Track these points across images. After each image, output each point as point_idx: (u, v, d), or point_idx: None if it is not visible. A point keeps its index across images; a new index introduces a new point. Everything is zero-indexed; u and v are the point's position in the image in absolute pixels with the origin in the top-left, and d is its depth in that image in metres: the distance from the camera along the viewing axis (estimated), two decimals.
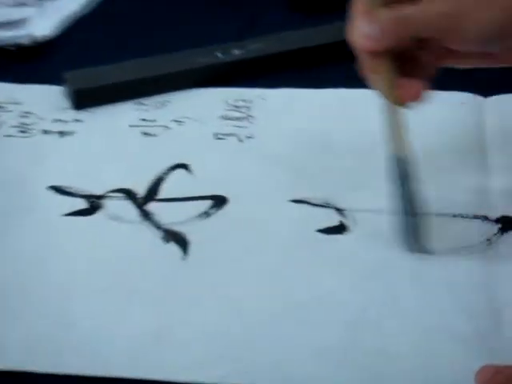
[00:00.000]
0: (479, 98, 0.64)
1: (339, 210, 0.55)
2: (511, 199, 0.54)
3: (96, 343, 0.47)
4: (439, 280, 0.49)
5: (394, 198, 0.50)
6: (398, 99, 0.49)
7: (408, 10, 0.47)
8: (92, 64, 0.69)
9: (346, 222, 0.54)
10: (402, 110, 0.49)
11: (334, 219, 0.54)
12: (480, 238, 0.52)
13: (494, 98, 0.64)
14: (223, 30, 0.75)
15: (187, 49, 0.70)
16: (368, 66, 0.49)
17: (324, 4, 0.78)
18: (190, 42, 0.72)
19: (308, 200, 0.56)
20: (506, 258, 0.50)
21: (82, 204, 0.57)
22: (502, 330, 0.46)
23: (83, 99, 0.66)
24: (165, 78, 0.67)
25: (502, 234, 0.52)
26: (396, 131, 0.49)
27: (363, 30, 0.47)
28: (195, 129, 0.64)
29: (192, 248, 0.53)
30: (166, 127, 0.64)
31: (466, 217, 0.53)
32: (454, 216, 0.54)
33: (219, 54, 0.69)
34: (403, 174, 0.49)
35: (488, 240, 0.52)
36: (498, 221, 0.53)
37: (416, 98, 0.49)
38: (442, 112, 0.61)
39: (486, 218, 0.53)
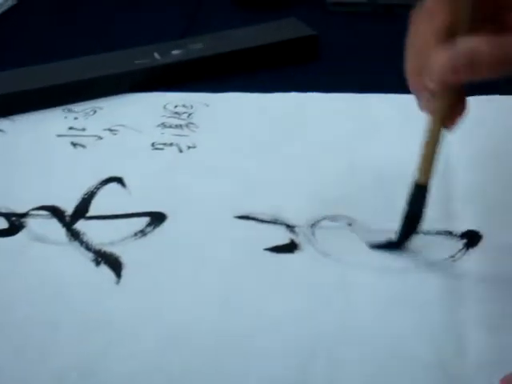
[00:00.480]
0: None
1: (289, 227, 0.52)
2: (476, 213, 0.52)
3: (16, 382, 0.43)
4: (399, 301, 0.46)
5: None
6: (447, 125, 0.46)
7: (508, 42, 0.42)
8: (12, 66, 0.66)
9: (297, 239, 0.51)
10: (442, 135, 0.47)
11: (283, 237, 0.51)
12: (444, 254, 0.49)
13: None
14: (162, 28, 0.72)
15: (122, 49, 0.67)
16: (431, 92, 0.45)
17: (270, 0, 0.75)
18: (124, 41, 0.70)
19: (255, 216, 0.53)
20: (471, 276, 0.48)
21: (1, 223, 0.53)
22: (466, 354, 0.43)
23: (3, 106, 0.62)
24: (96, 81, 0.64)
25: (468, 249, 0.49)
26: (429, 158, 0.47)
27: (450, 61, 0.42)
28: (130, 138, 0.61)
29: (126, 271, 0.50)
30: (98, 137, 0.61)
31: (428, 233, 0.51)
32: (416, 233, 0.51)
33: (157, 55, 0.66)
34: (421, 201, 0.48)
35: (452, 256, 0.49)
36: (463, 236, 0.50)
37: (457, 122, 0.46)
38: (405, 116, 0.59)
39: (450, 234, 0.51)
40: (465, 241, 0.50)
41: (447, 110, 0.46)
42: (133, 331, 0.45)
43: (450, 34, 0.43)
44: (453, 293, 0.47)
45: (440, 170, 0.54)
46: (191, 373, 0.43)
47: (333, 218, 0.52)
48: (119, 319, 0.46)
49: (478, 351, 0.43)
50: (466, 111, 0.46)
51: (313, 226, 0.51)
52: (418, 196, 0.48)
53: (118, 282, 0.49)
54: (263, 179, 0.56)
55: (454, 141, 0.57)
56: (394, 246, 0.49)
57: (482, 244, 0.49)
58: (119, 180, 0.56)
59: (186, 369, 0.43)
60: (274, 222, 0.52)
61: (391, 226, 0.50)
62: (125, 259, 0.50)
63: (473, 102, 0.59)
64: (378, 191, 0.53)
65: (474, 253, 0.49)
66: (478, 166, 0.55)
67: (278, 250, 0.50)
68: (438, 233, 0.50)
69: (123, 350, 0.44)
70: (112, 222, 0.53)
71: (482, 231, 0.50)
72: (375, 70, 0.65)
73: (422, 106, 0.46)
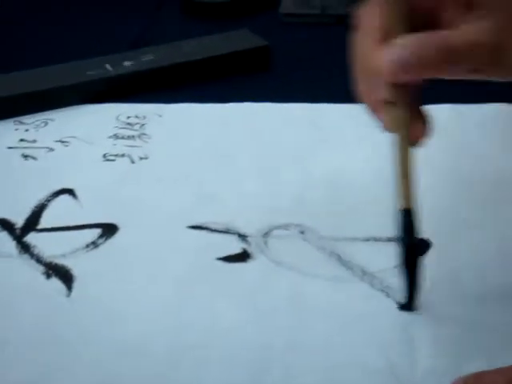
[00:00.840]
0: None
1: (242, 236, 0.52)
2: (426, 222, 0.51)
3: None
4: (351, 310, 0.46)
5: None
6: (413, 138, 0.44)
7: (451, 34, 0.42)
8: None
9: (249, 248, 0.51)
10: (413, 152, 0.44)
11: (236, 246, 0.51)
12: (395, 262, 0.48)
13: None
14: (113, 39, 0.72)
15: (73, 60, 0.67)
16: (381, 101, 0.43)
17: (222, 10, 0.76)
18: (76, 52, 0.69)
19: (207, 226, 0.53)
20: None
21: None
22: (416, 361, 0.43)
23: None
24: (48, 93, 0.63)
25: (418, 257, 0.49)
26: (405, 179, 0.44)
27: (396, 56, 0.41)
28: (82, 150, 0.60)
29: (77, 283, 0.49)
30: (49, 148, 0.60)
31: (379, 240, 0.51)
32: (367, 240, 0.51)
33: (109, 66, 0.66)
34: (408, 227, 0.44)
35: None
36: None
37: (424, 135, 0.44)
38: (358, 125, 0.58)
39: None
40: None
41: (408, 122, 0.44)
42: (84, 344, 0.45)
43: (387, 37, 0.43)
44: (402, 301, 0.46)
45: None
46: (145, 382, 0.42)
47: (285, 227, 0.52)
48: (70, 332, 0.46)
49: (429, 358, 0.43)
50: (430, 124, 0.45)
51: (265, 235, 0.51)
52: (408, 222, 0.44)
53: (68, 295, 0.48)
54: (216, 189, 0.55)
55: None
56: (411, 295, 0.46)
57: (431, 252, 0.49)
58: (70, 192, 0.55)
59: (138, 381, 0.43)
60: (227, 231, 0.52)
61: (343, 234, 0.51)
62: (76, 271, 0.49)
63: (432, 110, 0.61)
64: (329, 199, 0.53)
65: (424, 260, 0.48)
66: (430, 175, 0.56)
67: (230, 259, 0.50)
68: (389, 240, 0.50)
69: (75, 363, 0.44)
70: (63, 234, 0.52)
71: (431, 239, 0.50)
72: (327, 80, 0.65)
73: (384, 124, 0.45)
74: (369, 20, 0.43)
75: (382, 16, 0.43)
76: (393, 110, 0.44)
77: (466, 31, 0.42)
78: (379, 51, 0.42)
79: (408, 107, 0.44)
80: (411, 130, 0.44)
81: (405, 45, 0.42)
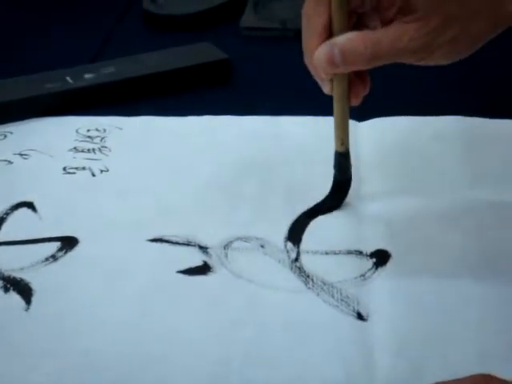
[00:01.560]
0: (353, 123, 0.61)
1: (203, 248, 0.52)
2: (385, 233, 0.52)
3: None
4: (310, 322, 0.46)
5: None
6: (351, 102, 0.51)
7: (380, 35, 0.47)
8: None
9: (210, 261, 0.51)
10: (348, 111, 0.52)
11: (196, 258, 0.51)
12: (354, 273, 0.50)
13: (369, 122, 0.62)
14: (74, 51, 0.71)
15: (33, 73, 0.66)
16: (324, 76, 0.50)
17: (184, 23, 0.76)
18: (36, 65, 0.68)
19: (168, 238, 0.52)
20: (379, 295, 0.48)
21: None
22: (374, 374, 0.43)
23: None
24: (7, 105, 0.63)
25: (377, 268, 0.50)
26: (341, 128, 0.52)
27: (323, 56, 0.48)
28: (42, 163, 0.59)
29: (36, 298, 0.48)
30: (8, 161, 0.60)
31: (339, 253, 0.51)
32: (327, 253, 0.51)
33: (69, 79, 0.65)
34: (346, 167, 0.53)
35: (362, 275, 0.49)
36: (372, 255, 0.51)
37: (359, 98, 0.51)
38: (317, 138, 0.60)
39: (359, 253, 0.51)
40: (374, 260, 0.50)
41: (347, 89, 0.50)
42: (43, 357, 0.44)
43: (329, 33, 0.48)
44: (362, 312, 0.47)
45: (352, 191, 0.55)
46: None
47: (246, 239, 0.52)
48: (29, 346, 0.45)
49: (387, 370, 0.43)
50: (368, 87, 0.51)
51: (226, 247, 0.51)
52: (342, 162, 0.53)
53: (27, 309, 0.47)
54: (176, 202, 0.55)
55: (364, 162, 0.58)
56: (325, 209, 0.53)
57: (390, 263, 0.50)
58: (30, 205, 0.55)
59: None
60: (187, 243, 0.52)
61: (303, 247, 0.51)
62: (35, 285, 0.49)
63: (381, 123, 0.62)
64: (289, 212, 0.53)
65: (383, 271, 0.49)
66: (388, 187, 0.56)
67: (190, 272, 0.50)
68: (349, 252, 0.51)
69: (34, 377, 0.43)
70: (22, 247, 0.52)
71: (390, 251, 0.51)
72: (287, 93, 0.66)
73: (326, 90, 0.51)
74: (314, 18, 0.49)
75: (324, 15, 0.48)
76: (334, 83, 0.50)
77: (394, 34, 0.47)
78: (317, 48, 0.48)
79: (345, 81, 0.50)
80: (353, 89, 0.50)
81: (334, 44, 0.48)
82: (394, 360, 0.44)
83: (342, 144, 0.52)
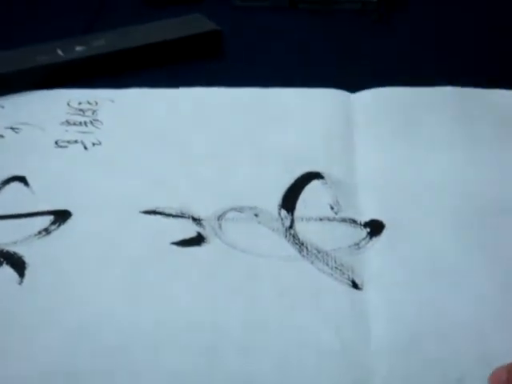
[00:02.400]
0: (346, 94, 0.62)
1: (196, 220, 0.51)
2: (379, 203, 0.52)
3: None
4: (305, 290, 0.46)
5: None
6: None
7: None
8: None
9: (203, 232, 0.50)
10: None
11: (190, 230, 0.51)
12: (348, 242, 0.49)
13: (361, 93, 0.62)
14: (65, 24, 0.70)
15: (24, 46, 0.65)
16: None
17: None
18: (26, 38, 0.67)
19: (161, 210, 0.52)
20: (374, 264, 0.48)
21: None
22: (369, 342, 0.44)
23: None
24: None
25: (371, 238, 0.50)
26: None
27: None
28: (33, 136, 0.59)
29: (30, 271, 0.48)
30: (0, 135, 0.59)
31: (333, 220, 0.51)
32: (321, 219, 0.51)
33: (60, 52, 0.65)
34: None
35: (356, 244, 0.49)
36: (366, 225, 0.51)
37: None
38: (309, 110, 0.60)
39: (354, 222, 0.51)
40: (368, 230, 0.50)
41: None
42: (37, 330, 0.44)
43: None
44: (357, 280, 0.47)
45: (345, 160, 0.55)
46: (99, 369, 0.42)
47: (239, 209, 0.52)
48: (23, 319, 0.45)
49: (381, 337, 0.43)
50: None
51: (219, 218, 0.51)
52: None
53: (20, 282, 0.47)
54: (169, 174, 0.55)
55: (358, 132, 0.58)
56: None
57: (385, 233, 0.50)
58: (22, 179, 0.54)
59: (92, 365, 0.42)
60: (181, 215, 0.51)
61: (297, 214, 0.50)
62: (28, 259, 0.49)
63: (375, 94, 0.61)
64: (283, 180, 0.53)
65: (378, 241, 0.49)
66: (383, 157, 0.56)
67: (184, 243, 0.50)
68: (343, 220, 0.51)
69: (28, 349, 0.43)
70: (15, 221, 0.51)
71: (384, 221, 0.50)
72: (278, 64, 0.65)
73: None
74: None
75: None
76: None
77: None
78: None
79: None
80: None
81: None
82: (390, 328, 0.44)
83: None
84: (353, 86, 0.62)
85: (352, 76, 0.62)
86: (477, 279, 0.46)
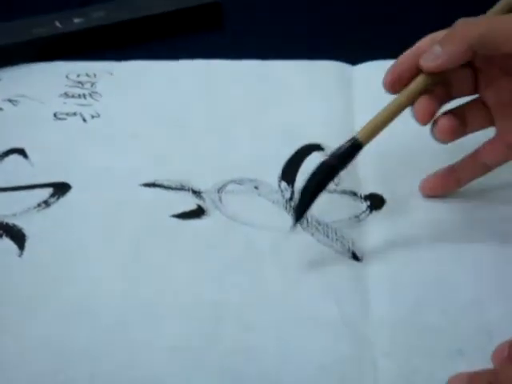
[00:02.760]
0: (347, 66, 0.61)
1: (196, 193, 0.51)
2: (380, 177, 0.52)
3: None
4: (307, 263, 0.46)
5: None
6: (417, 112, 0.46)
7: None
8: None
9: (204, 204, 0.50)
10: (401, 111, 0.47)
11: (190, 203, 0.50)
12: (349, 213, 0.49)
13: (363, 65, 0.61)
14: None
15: (20, 18, 0.64)
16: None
17: None
18: (23, 10, 0.66)
19: (161, 183, 0.52)
20: (374, 237, 0.48)
21: None
22: (369, 313, 0.44)
23: None
24: None
25: (371, 211, 0.50)
26: (378, 122, 0.47)
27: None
28: (32, 109, 0.58)
29: (29, 243, 0.48)
30: None
31: (334, 192, 0.51)
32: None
33: (58, 24, 0.64)
34: (346, 155, 0.46)
35: (357, 217, 0.49)
36: (366, 198, 0.50)
37: (426, 118, 0.46)
38: (309, 82, 0.59)
39: (354, 194, 0.51)
40: (368, 203, 0.50)
41: (418, 92, 0.46)
42: (37, 302, 0.44)
43: None
44: (357, 252, 0.47)
45: (346, 132, 0.55)
46: (98, 341, 0.42)
47: (239, 182, 0.51)
48: (22, 292, 0.45)
49: (381, 309, 0.43)
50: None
51: (220, 190, 0.51)
52: (350, 152, 0.46)
53: (20, 255, 0.47)
54: (169, 147, 0.54)
55: (358, 104, 0.58)
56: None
57: (385, 208, 0.50)
58: (21, 151, 0.54)
59: (93, 337, 0.42)
60: (181, 188, 0.51)
61: (297, 186, 0.50)
62: (28, 231, 0.48)
63: (375, 66, 0.61)
64: (283, 154, 0.53)
65: (378, 215, 0.49)
66: (384, 130, 0.56)
67: (185, 216, 0.49)
68: (343, 192, 0.51)
69: (28, 321, 0.43)
70: (14, 193, 0.51)
71: (385, 196, 0.50)
72: (279, 36, 0.64)
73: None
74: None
75: None
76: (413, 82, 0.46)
77: None
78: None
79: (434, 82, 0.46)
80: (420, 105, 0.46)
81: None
82: (390, 299, 0.44)
83: (366, 135, 0.46)
84: (354, 58, 0.61)
85: (353, 48, 0.61)
86: (477, 251, 0.46)
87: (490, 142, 0.48)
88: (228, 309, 0.44)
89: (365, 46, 0.61)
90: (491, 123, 0.48)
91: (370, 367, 0.40)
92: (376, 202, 0.50)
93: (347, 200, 0.50)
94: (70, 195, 0.51)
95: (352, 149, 0.45)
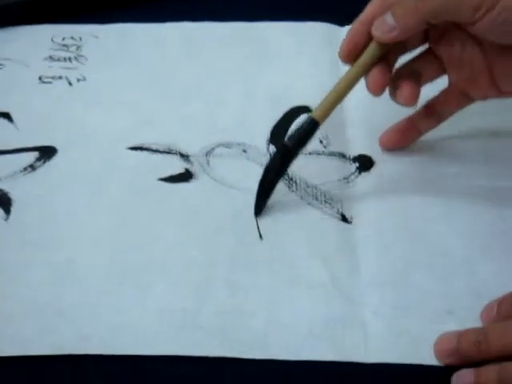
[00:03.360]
0: (335, 27, 0.60)
1: (184, 156, 0.51)
2: (369, 138, 0.51)
3: None
4: (295, 225, 0.46)
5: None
6: (370, 84, 0.46)
7: None
8: None
9: (191, 168, 0.50)
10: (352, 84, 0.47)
11: (178, 166, 0.50)
12: (338, 175, 0.49)
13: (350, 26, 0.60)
14: None
15: None
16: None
17: None
18: None
19: (148, 146, 0.51)
20: (363, 198, 0.48)
21: None
22: (358, 273, 0.44)
23: None
24: None
25: (360, 173, 0.49)
26: (333, 98, 0.46)
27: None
28: (17, 72, 0.57)
29: (15, 207, 0.48)
30: None
31: (322, 154, 0.50)
32: (309, 153, 0.50)
33: None
34: (305, 135, 0.46)
35: (345, 178, 0.49)
36: (355, 160, 0.50)
37: (379, 90, 0.47)
38: (297, 43, 0.59)
39: (343, 156, 0.50)
40: (357, 164, 0.50)
41: (370, 63, 0.46)
42: (24, 267, 0.44)
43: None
44: (346, 214, 0.47)
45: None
46: (86, 304, 0.42)
47: (227, 145, 0.51)
48: (9, 255, 0.45)
49: (370, 269, 0.43)
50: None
51: (207, 154, 0.50)
52: (308, 132, 0.46)
53: (6, 219, 0.47)
54: (156, 110, 0.54)
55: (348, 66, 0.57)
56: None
57: (374, 169, 0.49)
58: (6, 115, 0.53)
59: (80, 300, 0.42)
60: (168, 151, 0.51)
61: None
62: (14, 195, 0.48)
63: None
64: (271, 115, 0.52)
65: (367, 176, 0.49)
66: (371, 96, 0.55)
67: (172, 179, 0.49)
68: (332, 154, 0.50)
69: (14, 287, 0.43)
70: (0, 157, 0.50)
71: (373, 157, 0.50)
72: None
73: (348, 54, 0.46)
74: None
75: None
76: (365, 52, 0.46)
77: None
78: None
79: (383, 51, 0.46)
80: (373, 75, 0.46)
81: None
82: (379, 260, 0.44)
83: (322, 112, 0.46)
84: (341, 19, 0.60)
85: (341, 9, 0.60)
86: (466, 212, 0.46)
87: (444, 92, 0.49)
88: (216, 271, 0.44)
89: (353, 6, 0.60)
90: (443, 72, 0.48)
91: (359, 328, 0.40)
92: (365, 163, 0.50)
93: (336, 162, 0.50)
94: (56, 159, 0.50)
95: (309, 128, 0.46)
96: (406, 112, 0.50)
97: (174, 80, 0.56)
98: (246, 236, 0.45)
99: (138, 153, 0.51)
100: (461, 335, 0.38)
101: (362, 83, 0.48)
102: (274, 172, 0.46)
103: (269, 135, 0.51)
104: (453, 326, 0.39)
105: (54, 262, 0.44)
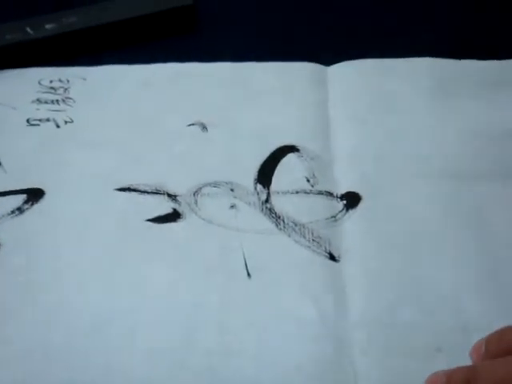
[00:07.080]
0: (321, 67, 0.61)
1: (171, 196, 0.51)
2: (356, 175, 0.52)
3: None
4: (282, 262, 0.46)
5: None
6: None
7: None
8: None
9: (179, 208, 0.50)
10: None
11: (165, 206, 0.50)
12: (325, 214, 0.49)
13: (336, 66, 0.61)
14: (34, 1, 0.68)
15: None
16: None
17: None
18: None
19: (136, 187, 0.51)
20: (350, 236, 0.48)
21: None
22: (346, 313, 0.43)
23: None
24: None
25: (348, 210, 0.49)
26: None
27: None
28: (4, 115, 0.57)
29: (3, 250, 0.48)
30: None
31: (310, 192, 0.50)
32: (297, 192, 0.50)
33: (30, 30, 0.63)
34: None
35: (333, 217, 0.49)
36: (342, 197, 0.50)
37: None
38: (284, 84, 0.59)
39: (330, 194, 0.50)
40: (344, 202, 0.50)
41: None
42: (11, 311, 0.44)
43: None
44: (334, 252, 0.47)
45: (321, 133, 0.55)
46: (75, 347, 0.42)
47: (215, 185, 0.51)
48: None
49: (358, 308, 0.43)
50: None
51: (195, 193, 0.50)
52: None
53: None
54: (143, 151, 0.54)
55: (333, 104, 0.57)
56: None
57: (361, 205, 0.49)
58: None
59: (69, 343, 0.42)
60: (156, 192, 0.51)
61: (273, 188, 0.50)
62: (1, 238, 0.48)
63: (350, 66, 0.61)
64: (258, 154, 0.53)
65: (354, 213, 0.49)
66: (359, 130, 0.55)
67: (160, 220, 0.49)
68: (319, 193, 0.50)
69: (1, 330, 0.43)
70: None
71: (361, 193, 0.50)
72: (254, 38, 0.64)
73: None
74: None
75: None
76: None
77: None
78: None
79: None
80: None
81: None
82: (367, 299, 0.44)
83: None
84: (327, 58, 0.61)
85: (328, 49, 0.61)
86: (454, 250, 0.46)
87: None
88: (205, 311, 0.43)
89: (339, 46, 0.61)
90: None
91: (348, 367, 0.40)
92: (352, 199, 0.50)
93: (323, 200, 0.50)
94: (43, 201, 0.50)
95: None
96: (394, 152, 0.51)
97: (161, 120, 0.56)
98: (235, 274, 0.45)
99: (126, 193, 0.51)
100: (450, 375, 0.38)
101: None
102: None
103: (256, 174, 0.51)
104: (442, 363, 0.39)
105: (41, 305, 0.44)
